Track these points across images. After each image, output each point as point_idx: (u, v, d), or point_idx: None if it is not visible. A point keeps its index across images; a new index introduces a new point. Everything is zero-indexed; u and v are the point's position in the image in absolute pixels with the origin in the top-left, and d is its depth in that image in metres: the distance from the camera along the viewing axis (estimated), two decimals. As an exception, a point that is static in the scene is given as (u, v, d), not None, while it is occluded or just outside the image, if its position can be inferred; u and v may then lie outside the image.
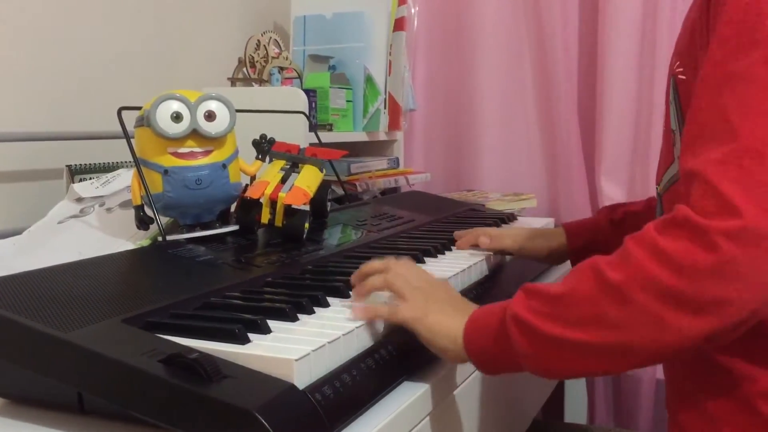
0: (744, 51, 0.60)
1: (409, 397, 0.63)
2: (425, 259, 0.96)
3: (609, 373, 0.66)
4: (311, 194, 0.98)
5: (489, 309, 0.67)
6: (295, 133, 1.31)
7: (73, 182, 1.16)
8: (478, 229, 1.07)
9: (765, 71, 0.59)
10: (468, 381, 0.76)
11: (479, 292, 0.91)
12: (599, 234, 1.04)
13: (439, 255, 1.00)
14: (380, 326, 0.69)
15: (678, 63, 0.74)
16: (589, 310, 0.59)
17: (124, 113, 0.94)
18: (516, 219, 1.46)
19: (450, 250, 1.05)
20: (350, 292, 0.75)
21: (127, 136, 0.93)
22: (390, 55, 1.68)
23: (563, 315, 0.60)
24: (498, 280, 1.01)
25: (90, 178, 1.16)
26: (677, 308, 0.55)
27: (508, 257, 1.09)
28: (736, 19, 0.62)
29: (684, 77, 0.72)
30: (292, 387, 0.54)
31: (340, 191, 1.39)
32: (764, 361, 0.67)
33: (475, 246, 1.04)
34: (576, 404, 1.83)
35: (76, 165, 1.21)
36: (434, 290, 0.73)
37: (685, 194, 0.60)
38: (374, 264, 0.76)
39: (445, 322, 0.68)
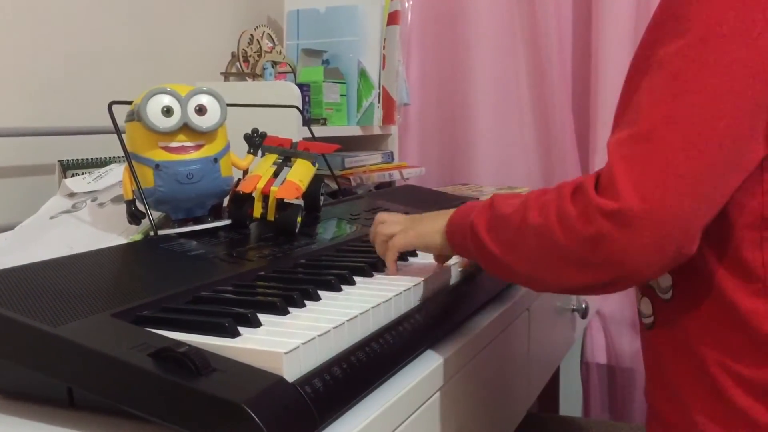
0: (667, 39, 0.63)
1: (397, 393, 0.63)
2: (418, 252, 0.96)
3: (519, 283, 0.77)
4: (303, 188, 0.98)
5: (465, 209, 0.77)
6: (288, 127, 1.31)
7: (65, 177, 1.15)
8: None
9: (680, 61, 0.61)
10: (456, 378, 0.76)
11: (477, 269, 0.91)
12: None
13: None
14: (370, 320, 0.69)
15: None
16: (513, 236, 0.69)
17: (115, 108, 0.93)
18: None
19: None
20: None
21: (117, 131, 0.93)
22: (384, 49, 1.68)
23: (499, 234, 0.70)
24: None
25: (82, 173, 1.16)
26: (565, 261, 0.64)
27: None
28: (666, 6, 0.65)
29: None
30: (282, 380, 0.54)
31: (334, 185, 1.39)
32: (738, 352, 0.68)
33: None
34: (571, 397, 1.83)
35: (67, 160, 1.21)
36: (411, 216, 0.86)
37: None
38: (370, 236, 0.88)
39: (430, 227, 0.81)
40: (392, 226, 0.84)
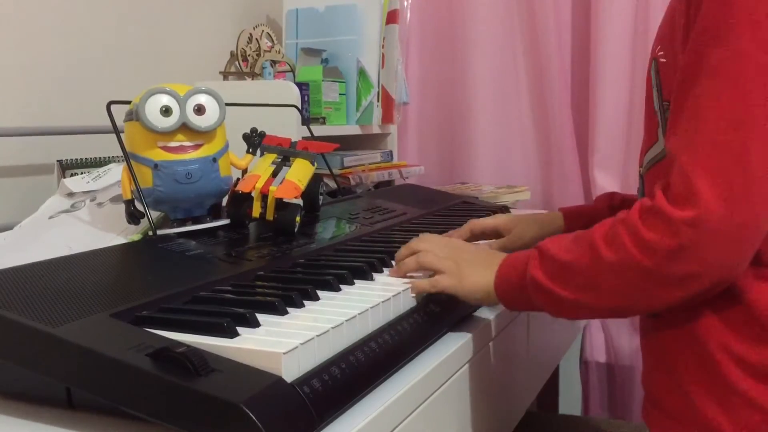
0: (719, 43, 0.64)
1: (396, 392, 0.63)
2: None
3: (603, 317, 0.77)
4: (302, 188, 0.98)
5: (512, 264, 0.78)
6: (287, 126, 1.31)
7: (64, 177, 1.15)
8: (472, 221, 1.08)
9: (734, 65, 0.63)
10: (455, 377, 0.76)
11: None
12: (598, 220, 1.05)
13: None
14: (369, 320, 0.69)
15: (659, 47, 0.78)
16: (587, 279, 0.70)
17: (114, 107, 0.93)
18: (509, 211, 1.46)
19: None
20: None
21: (116, 131, 0.93)
22: (383, 48, 1.68)
23: (567, 280, 0.71)
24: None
25: (81, 173, 1.16)
26: (657, 284, 0.67)
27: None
28: (717, 10, 0.65)
29: (665, 60, 0.76)
30: (280, 380, 0.54)
31: (333, 185, 1.39)
32: (744, 336, 0.70)
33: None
34: (570, 395, 1.83)
35: (66, 160, 1.20)
36: (461, 253, 0.84)
37: (667, 173, 0.67)
38: (403, 251, 0.86)
39: (478, 281, 0.79)
40: (438, 260, 0.82)
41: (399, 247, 0.87)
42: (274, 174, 0.98)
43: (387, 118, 1.73)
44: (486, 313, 0.88)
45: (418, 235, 0.89)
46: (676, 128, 0.68)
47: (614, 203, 1.08)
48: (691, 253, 0.63)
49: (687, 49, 0.68)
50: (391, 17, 1.69)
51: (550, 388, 1.73)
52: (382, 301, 0.71)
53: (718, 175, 0.62)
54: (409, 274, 0.84)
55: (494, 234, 1.08)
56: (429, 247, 0.84)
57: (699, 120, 0.65)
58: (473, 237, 1.07)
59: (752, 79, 0.63)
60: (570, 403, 1.84)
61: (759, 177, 0.62)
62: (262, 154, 1.03)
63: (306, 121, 1.38)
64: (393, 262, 0.88)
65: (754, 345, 0.69)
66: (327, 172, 1.33)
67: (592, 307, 0.71)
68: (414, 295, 0.79)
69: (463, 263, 0.81)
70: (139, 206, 0.91)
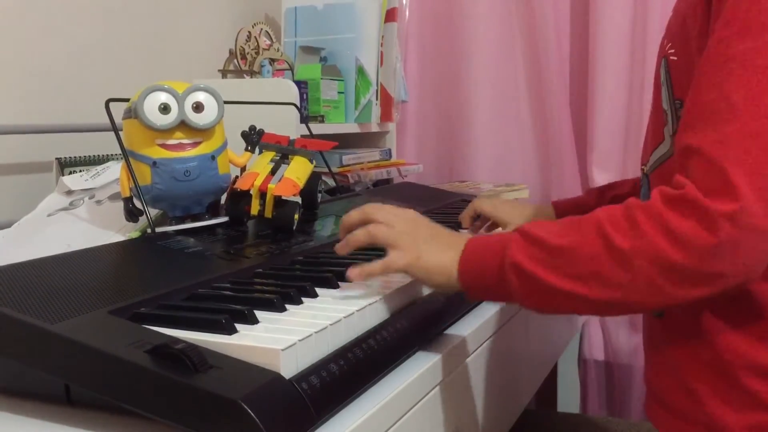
0: (749, 34, 0.62)
1: (395, 389, 0.63)
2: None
3: (596, 315, 0.72)
4: (301, 185, 0.98)
5: (484, 246, 0.69)
6: (286, 124, 1.31)
7: (63, 175, 1.15)
8: (475, 201, 1.12)
9: (765, 57, 0.61)
10: (453, 374, 0.76)
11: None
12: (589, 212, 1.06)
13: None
14: (368, 316, 0.69)
15: (670, 45, 0.76)
16: (592, 268, 0.62)
17: (112, 105, 0.93)
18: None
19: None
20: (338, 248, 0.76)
21: (115, 129, 0.93)
22: (381, 46, 1.68)
23: (564, 267, 0.63)
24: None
25: (79, 171, 1.16)
26: (679, 281, 0.60)
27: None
28: (740, 4, 0.63)
29: (675, 58, 0.74)
30: (278, 377, 0.54)
31: (331, 183, 1.39)
32: (748, 334, 0.70)
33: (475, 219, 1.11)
34: (568, 394, 1.83)
35: (65, 158, 1.20)
36: (418, 228, 0.74)
37: (683, 168, 0.63)
38: (353, 215, 0.77)
39: (438, 260, 0.71)
40: (393, 234, 0.72)
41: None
42: (273, 172, 0.98)
43: (386, 116, 1.73)
44: (485, 310, 0.88)
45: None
46: (696, 123, 0.63)
47: (604, 199, 1.07)
48: (727, 251, 0.59)
49: (710, 43, 0.65)
50: (390, 15, 1.69)
51: (549, 386, 1.73)
52: (381, 298, 0.71)
53: (755, 168, 0.59)
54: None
55: (487, 217, 1.11)
56: (383, 217, 0.74)
57: (730, 111, 0.61)
58: (476, 216, 1.10)
59: None
60: (568, 401, 1.84)
61: None
62: (260, 152, 1.03)
63: (304, 119, 1.38)
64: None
65: (762, 345, 0.69)
66: (326, 170, 1.33)
67: (585, 300, 0.63)
68: (362, 280, 0.70)
69: (421, 239, 0.72)
70: (137, 204, 0.91)
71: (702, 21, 0.69)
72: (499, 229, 1.10)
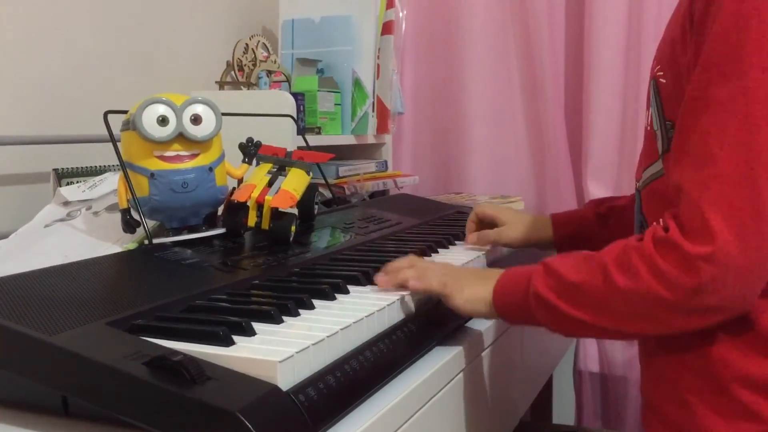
0: (727, 78, 0.65)
1: (391, 401, 0.63)
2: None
3: (609, 338, 0.78)
4: (298, 197, 0.98)
5: (513, 278, 0.78)
6: (283, 136, 1.31)
7: (60, 186, 1.16)
8: (476, 207, 1.16)
9: (744, 100, 0.64)
10: (449, 386, 0.76)
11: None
12: (585, 226, 1.09)
13: (425, 258, 1.00)
14: (364, 329, 0.69)
15: (659, 67, 0.77)
16: (597, 301, 0.71)
17: (110, 117, 0.94)
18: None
19: (437, 252, 1.05)
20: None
21: (113, 140, 0.93)
22: (378, 58, 1.69)
23: (574, 298, 0.72)
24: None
25: (77, 182, 1.16)
26: (671, 313, 0.68)
27: (506, 250, 1.15)
28: (721, 45, 0.66)
29: (664, 81, 0.75)
30: (276, 388, 0.54)
31: (328, 194, 1.39)
32: (740, 346, 0.71)
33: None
34: (564, 405, 1.83)
35: (62, 169, 1.21)
36: (456, 271, 0.84)
37: (674, 204, 0.68)
38: (400, 262, 0.83)
39: (477, 292, 0.79)
40: (438, 276, 0.80)
41: (394, 257, 0.87)
42: (270, 183, 0.99)
43: (382, 128, 1.74)
44: (479, 324, 0.88)
45: (407, 252, 0.89)
46: (682, 160, 0.68)
47: (601, 211, 1.08)
48: (710, 289, 0.64)
49: (692, 82, 0.68)
50: (387, 28, 1.70)
51: (544, 398, 1.73)
52: (377, 310, 0.72)
53: (731, 212, 0.63)
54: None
55: (491, 222, 1.12)
56: (427, 264, 0.84)
57: (708, 155, 0.65)
58: (479, 221, 1.13)
59: (761, 116, 0.63)
60: (564, 412, 1.84)
61: None
62: (257, 164, 1.04)
63: (301, 131, 1.38)
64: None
65: (753, 357, 0.70)
66: (322, 181, 1.34)
67: (595, 327, 0.72)
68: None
69: (461, 278, 0.81)
70: (135, 215, 0.92)
71: (686, 48, 0.71)
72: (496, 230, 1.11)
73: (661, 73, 0.76)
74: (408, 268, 0.82)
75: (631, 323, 0.70)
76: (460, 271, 0.85)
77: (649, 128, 0.81)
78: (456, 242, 1.13)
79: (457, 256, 1.04)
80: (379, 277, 0.81)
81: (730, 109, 0.64)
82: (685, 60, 0.71)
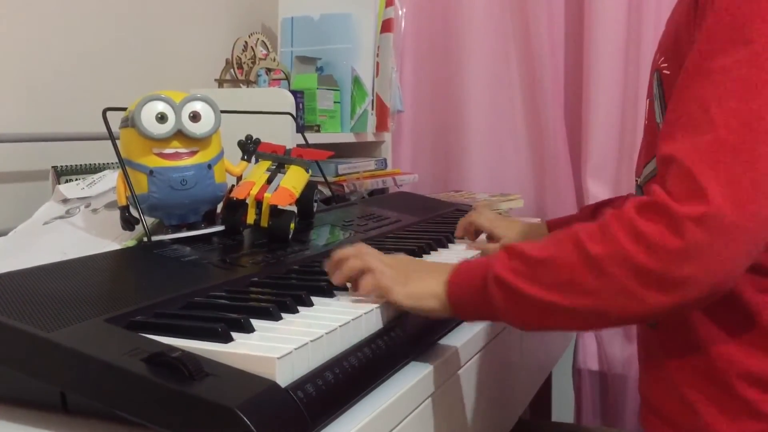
0: (731, 48, 0.63)
1: (391, 396, 0.64)
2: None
3: (579, 330, 0.73)
4: (297, 195, 0.98)
5: (471, 265, 0.71)
6: (282, 134, 1.31)
7: (59, 183, 1.16)
8: (472, 214, 1.15)
9: (748, 68, 0.61)
10: (448, 383, 0.77)
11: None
12: None
13: (424, 255, 1.00)
14: (363, 325, 0.69)
15: (663, 59, 0.77)
16: (567, 276, 0.63)
17: (109, 114, 0.94)
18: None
19: (436, 250, 1.05)
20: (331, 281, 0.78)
21: (112, 137, 0.93)
22: (377, 56, 1.69)
23: (542, 277, 0.64)
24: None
25: (76, 179, 1.16)
26: (647, 285, 0.60)
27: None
28: (727, 16, 0.64)
29: (668, 72, 0.75)
30: (274, 385, 0.54)
31: (327, 192, 1.39)
32: (743, 343, 0.70)
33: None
34: (563, 403, 1.83)
35: (61, 166, 1.21)
36: (408, 262, 0.78)
37: (661, 176, 0.64)
38: (347, 250, 0.78)
39: (426, 285, 0.72)
40: (383, 266, 0.74)
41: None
42: (269, 181, 0.99)
43: (381, 126, 1.74)
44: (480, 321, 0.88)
45: (406, 250, 0.86)
46: (675, 133, 0.65)
47: (596, 216, 1.08)
48: (694, 255, 0.59)
49: (691, 55, 0.66)
50: (386, 26, 1.70)
51: (543, 396, 1.74)
52: (376, 307, 0.72)
53: (727, 175, 0.59)
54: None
55: (481, 231, 1.13)
56: (374, 252, 0.78)
57: (707, 122, 0.62)
58: (474, 230, 1.12)
59: (764, 82, 0.61)
60: (563, 410, 1.84)
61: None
62: (256, 161, 1.04)
63: (300, 129, 1.38)
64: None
65: (756, 354, 0.70)
66: (321, 179, 1.34)
67: (563, 311, 0.64)
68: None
69: (411, 271, 0.75)
70: (134, 212, 0.92)
71: (693, 35, 0.69)
72: (496, 245, 1.10)
73: (665, 65, 0.75)
74: (354, 258, 0.76)
75: (602, 300, 0.62)
76: (410, 264, 0.78)
77: (648, 122, 0.81)
78: (455, 240, 1.14)
79: (455, 254, 1.04)
80: (335, 277, 0.77)
81: (733, 76, 0.62)
82: (688, 48, 0.69)
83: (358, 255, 0.76)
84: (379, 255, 0.77)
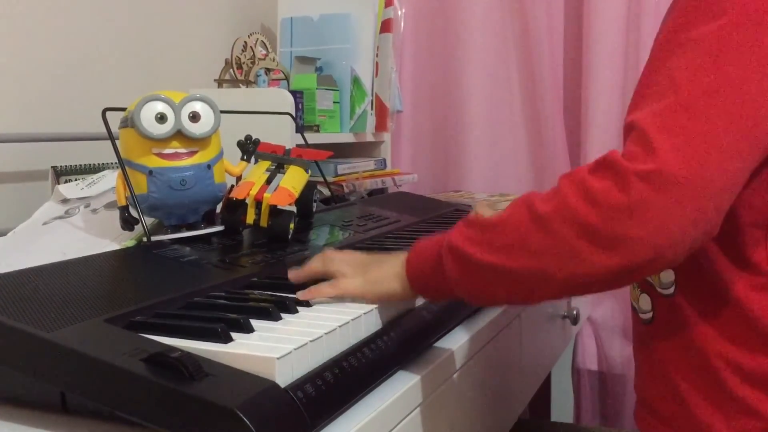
0: (702, 20, 0.63)
1: (390, 396, 0.64)
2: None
3: (528, 302, 0.70)
4: (296, 195, 0.98)
5: (429, 242, 0.70)
6: (281, 134, 1.31)
7: (59, 183, 1.16)
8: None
9: (717, 39, 0.62)
10: (448, 383, 0.77)
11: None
12: None
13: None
14: (362, 325, 0.69)
15: None
16: (515, 237, 0.62)
17: (109, 114, 0.94)
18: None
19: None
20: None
21: (111, 137, 0.93)
22: (377, 56, 1.69)
23: (491, 241, 0.64)
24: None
25: (75, 179, 1.16)
26: (591, 243, 0.59)
27: None
28: None
29: None
30: (274, 385, 0.54)
31: (326, 192, 1.39)
32: (737, 340, 0.70)
33: None
34: (562, 403, 1.84)
35: (61, 166, 1.21)
36: (371, 258, 0.76)
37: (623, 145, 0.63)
38: (312, 261, 0.78)
39: (385, 269, 0.72)
40: (344, 265, 0.74)
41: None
42: (269, 181, 0.99)
43: (380, 126, 1.74)
44: (479, 319, 0.88)
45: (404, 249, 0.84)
46: (640, 102, 0.64)
47: None
48: (638, 213, 0.57)
49: (662, 28, 0.67)
50: (386, 26, 1.70)
51: (542, 396, 1.74)
52: (376, 307, 0.72)
53: (680, 136, 0.59)
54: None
55: None
56: (337, 254, 0.77)
57: (670, 88, 0.62)
58: None
59: (734, 54, 0.61)
60: (562, 410, 1.84)
61: (722, 147, 0.59)
62: (256, 162, 1.04)
63: (300, 129, 1.38)
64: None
65: (752, 353, 0.70)
66: (321, 179, 1.34)
67: (511, 275, 0.62)
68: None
69: (372, 263, 0.74)
70: (133, 212, 0.92)
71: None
72: None
73: None
74: (314, 259, 0.76)
75: (547, 261, 0.60)
76: (368, 257, 0.76)
77: None
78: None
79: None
80: (294, 276, 0.76)
81: (704, 48, 0.62)
82: None
83: (321, 258, 0.76)
84: (341, 257, 0.77)
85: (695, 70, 0.61)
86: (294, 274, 0.77)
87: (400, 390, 0.65)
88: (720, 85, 0.60)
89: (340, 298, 0.73)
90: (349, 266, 0.74)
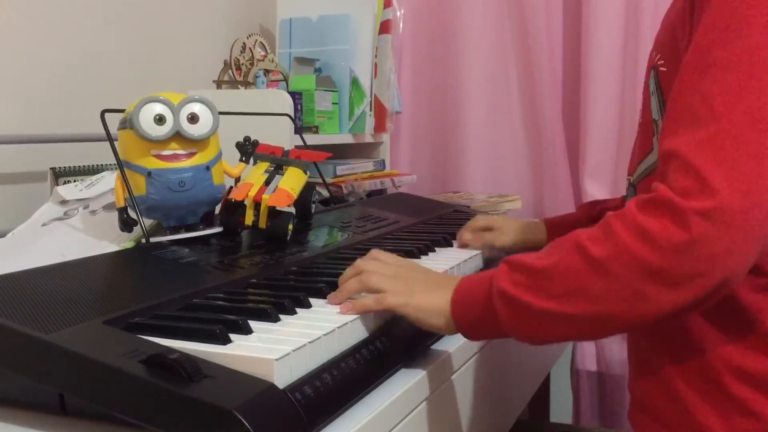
0: (730, 39, 0.62)
1: (389, 397, 0.64)
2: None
3: (588, 339, 0.71)
4: (295, 196, 0.98)
5: (473, 281, 0.70)
6: (280, 135, 1.31)
7: (57, 185, 1.16)
8: (471, 222, 1.13)
9: (748, 60, 0.61)
10: (446, 384, 0.77)
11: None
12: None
13: (422, 256, 1.00)
14: (361, 327, 0.69)
15: (659, 56, 0.77)
16: (572, 283, 0.62)
17: (107, 116, 0.94)
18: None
19: (434, 251, 1.05)
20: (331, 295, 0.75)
21: (110, 139, 0.93)
22: (376, 57, 1.69)
23: (546, 288, 0.63)
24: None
25: (74, 181, 1.16)
26: (656, 283, 0.59)
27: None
28: (725, 8, 0.63)
29: (665, 69, 0.75)
30: (272, 386, 0.54)
31: (325, 193, 1.39)
32: (737, 342, 0.70)
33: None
34: (561, 404, 1.84)
35: (60, 167, 1.21)
36: (411, 272, 0.75)
37: (662, 173, 0.63)
38: (348, 272, 0.76)
39: (431, 300, 0.70)
40: (384, 280, 0.73)
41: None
42: (267, 182, 0.99)
43: (379, 127, 1.74)
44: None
45: (405, 250, 0.84)
46: (676, 128, 0.64)
47: (593, 213, 1.08)
48: (702, 248, 0.57)
49: (690, 49, 0.65)
50: (384, 27, 1.70)
51: (541, 397, 1.74)
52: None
53: (733, 167, 0.58)
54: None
55: (486, 230, 1.12)
56: (375, 267, 0.75)
57: (708, 115, 0.61)
58: (474, 232, 1.10)
59: (763, 74, 0.60)
60: (561, 411, 1.84)
61: None
62: (255, 163, 1.04)
63: (299, 130, 1.38)
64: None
65: (752, 354, 0.70)
66: (320, 180, 1.34)
67: (571, 320, 0.62)
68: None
69: (414, 283, 0.73)
70: (132, 214, 0.92)
71: (690, 31, 0.70)
72: (493, 234, 1.11)
73: (662, 62, 0.76)
74: (352, 280, 0.74)
75: (610, 305, 0.60)
76: (414, 273, 0.75)
77: (643, 119, 0.81)
78: (453, 241, 1.14)
79: (453, 254, 1.04)
80: (334, 299, 0.73)
81: (734, 69, 0.61)
82: (685, 44, 0.70)
83: (358, 278, 0.74)
84: (379, 266, 0.75)
85: (728, 93, 0.61)
86: (335, 299, 0.73)
87: (398, 391, 0.65)
88: (758, 106, 0.60)
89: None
90: (389, 282, 0.72)
